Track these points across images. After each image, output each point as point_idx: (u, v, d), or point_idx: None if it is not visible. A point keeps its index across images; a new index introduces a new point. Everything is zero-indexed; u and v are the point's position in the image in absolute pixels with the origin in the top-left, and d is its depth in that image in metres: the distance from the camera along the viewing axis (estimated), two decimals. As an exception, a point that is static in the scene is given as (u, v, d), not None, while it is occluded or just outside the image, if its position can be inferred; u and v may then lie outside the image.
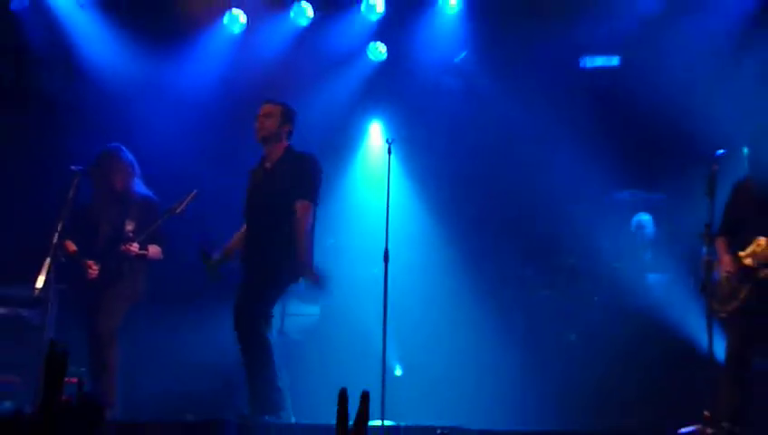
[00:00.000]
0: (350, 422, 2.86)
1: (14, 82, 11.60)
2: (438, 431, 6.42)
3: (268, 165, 8.51)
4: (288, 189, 8.26)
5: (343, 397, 2.84)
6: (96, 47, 11.35)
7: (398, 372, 10.52)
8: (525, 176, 11.06)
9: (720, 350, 7.99)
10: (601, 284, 10.46)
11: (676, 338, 9.55)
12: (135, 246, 8.86)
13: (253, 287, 8.25)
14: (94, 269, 8.85)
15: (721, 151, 8.07)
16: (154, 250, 9.03)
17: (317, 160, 8.47)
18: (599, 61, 11.60)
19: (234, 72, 11.44)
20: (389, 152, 8.71)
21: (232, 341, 8.27)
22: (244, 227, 8.54)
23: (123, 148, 9.15)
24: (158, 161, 9.55)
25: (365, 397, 2.85)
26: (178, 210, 8.89)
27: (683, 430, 7.76)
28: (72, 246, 8.93)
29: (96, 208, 9.10)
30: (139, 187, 9.17)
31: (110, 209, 9.07)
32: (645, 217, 10.72)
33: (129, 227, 8.94)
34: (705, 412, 7.66)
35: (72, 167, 8.75)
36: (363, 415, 2.85)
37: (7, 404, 8.65)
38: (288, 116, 8.54)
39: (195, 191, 8.89)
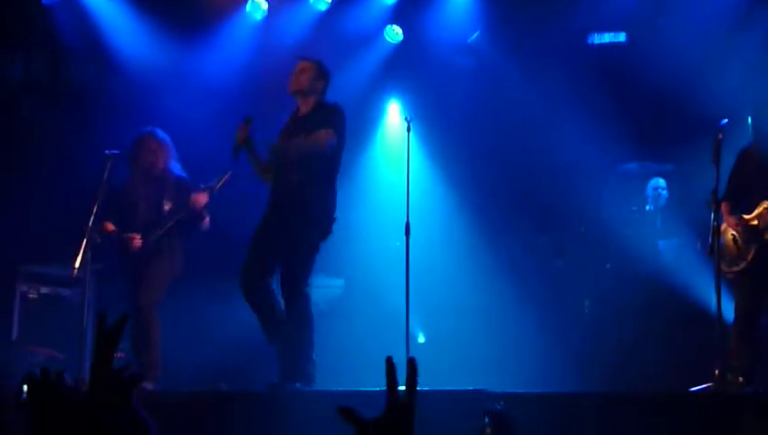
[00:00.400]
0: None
1: (48, 74, 11.85)
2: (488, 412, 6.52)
3: (299, 116, 8.56)
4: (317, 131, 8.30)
5: (391, 364, 2.84)
6: (124, 38, 11.58)
7: (421, 339, 10.71)
8: (538, 149, 11.25)
9: (729, 310, 8.24)
10: (613, 251, 10.69)
11: (686, 301, 9.77)
12: (204, 196, 9.01)
13: (290, 252, 8.30)
14: (137, 239, 9.05)
15: (725, 121, 8.31)
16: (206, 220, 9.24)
17: (342, 108, 8.53)
18: (606, 37, 11.77)
19: (256, 58, 11.64)
20: (408, 130, 8.97)
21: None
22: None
23: (159, 130, 9.34)
24: (185, 147, 9.69)
25: (412, 363, 2.85)
26: (216, 187, 9.10)
27: (695, 388, 8.03)
28: (110, 226, 9.16)
29: (133, 189, 9.26)
30: (176, 168, 9.37)
31: (148, 190, 9.24)
32: (661, 182, 10.89)
33: (167, 206, 9.19)
34: (716, 371, 7.93)
35: (106, 151, 8.97)
36: (412, 380, 2.84)
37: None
38: (322, 72, 8.56)
39: (230, 172, 9.03)
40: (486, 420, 6.36)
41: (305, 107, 8.57)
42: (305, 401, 7.70)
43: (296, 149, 8.33)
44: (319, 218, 8.31)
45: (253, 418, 7.69)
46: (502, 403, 6.60)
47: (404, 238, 8.72)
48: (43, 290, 10.41)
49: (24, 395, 3.25)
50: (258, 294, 8.42)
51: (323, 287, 10.58)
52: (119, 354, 8.59)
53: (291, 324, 8.31)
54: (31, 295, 10.44)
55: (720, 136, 8.19)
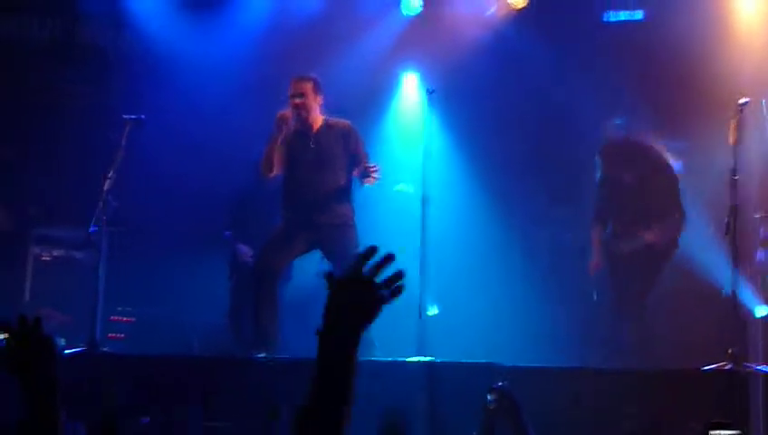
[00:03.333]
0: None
1: (66, 38, 11.68)
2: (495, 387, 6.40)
3: (311, 136, 8.67)
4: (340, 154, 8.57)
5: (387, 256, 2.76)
6: (143, 2, 11.42)
7: (434, 311, 10.56)
8: (554, 124, 11.07)
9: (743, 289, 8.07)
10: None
11: (701, 280, 9.61)
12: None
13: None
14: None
15: (745, 100, 8.09)
16: None
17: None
18: (622, 15, 11.59)
19: (273, 26, 11.42)
20: (429, 102, 8.78)
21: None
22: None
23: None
24: (205, 109, 9.59)
25: (389, 256, 2.76)
26: None
27: (708, 367, 7.84)
28: None
29: None
30: None
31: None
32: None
33: None
34: (729, 350, 7.73)
35: (124, 116, 8.82)
36: (381, 263, 2.76)
37: (62, 341, 8.77)
38: (319, 88, 8.68)
39: None
40: (489, 397, 6.19)
41: (314, 125, 8.67)
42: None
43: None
44: None
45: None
46: (503, 382, 6.41)
47: (419, 209, 8.59)
48: (56, 252, 10.30)
49: (3, 342, 3.21)
50: None
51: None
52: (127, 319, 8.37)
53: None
54: (44, 258, 10.33)
55: (740, 115, 7.98)
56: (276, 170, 8.63)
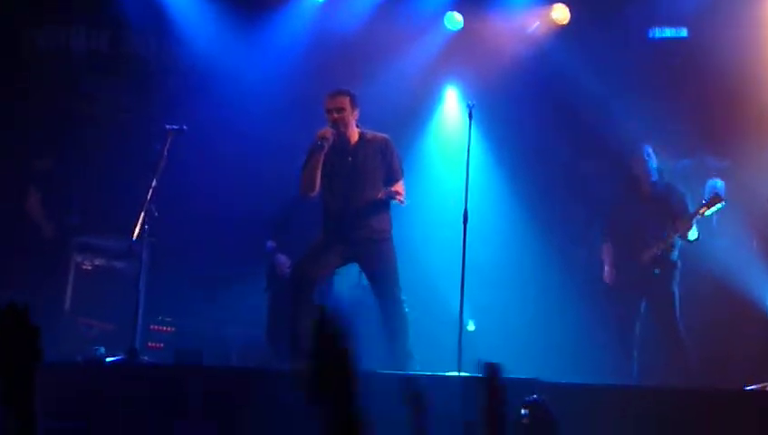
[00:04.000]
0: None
1: (109, 48, 11.72)
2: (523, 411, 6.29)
3: (349, 150, 8.64)
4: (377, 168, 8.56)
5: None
6: (186, 14, 11.37)
7: (472, 327, 10.52)
8: (594, 142, 10.99)
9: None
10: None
11: (743, 300, 9.49)
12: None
13: None
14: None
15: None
16: None
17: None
18: (668, 32, 11.50)
19: (316, 41, 11.38)
20: (471, 116, 8.72)
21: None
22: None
23: None
24: (247, 122, 9.58)
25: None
26: None
27: (750, 387, 7.74)
28: None
29: None
30: None
31: None
32: (719, 184, 10.59)
33: None
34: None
35: (167, 126, 8.79)
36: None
37: (101, 350, 8.78)
38: (356, 102, 8.65)
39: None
40: (523, 411, 6.08)
41: (352, 138, 8.67)
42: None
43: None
44: None
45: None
46: (539, 396, 6.29)
47: (459, 227, 8.52)
48: (98, 262, 10.33)
49: None
50: None
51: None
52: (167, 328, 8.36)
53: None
54: (85, 266, 10.36)
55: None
56: (318, 188, 8.61)
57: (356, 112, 8.63)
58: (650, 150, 9.46)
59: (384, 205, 8.61)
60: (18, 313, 3.02)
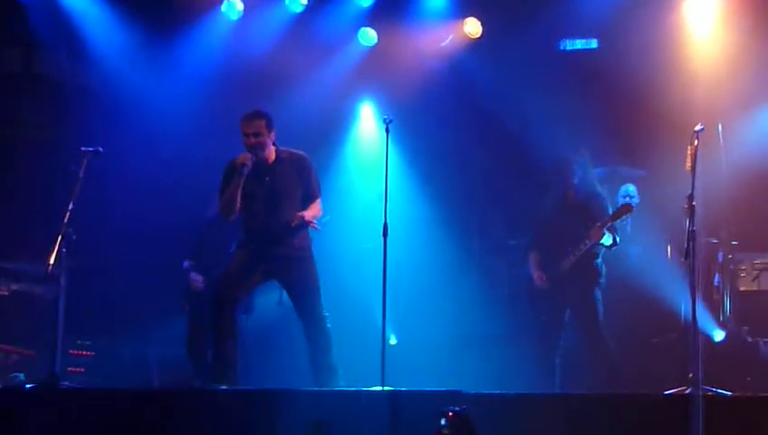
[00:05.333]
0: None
1: (23, 68, 11.57)
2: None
3: (266, 169, 8.57)
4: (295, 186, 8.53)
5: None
6: (99, 33, 11.28)
7: (393, 341, 10.52)
8: (511, 153, 11.09)
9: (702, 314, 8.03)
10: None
11: (658, 306, 9.61)
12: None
13: None
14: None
15: (701, 127, 8.10)
16: None
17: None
18: (578, 44, 11.64)
19: (231, 58, 11.38)
20: (387, 131, 8.71)
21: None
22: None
23: None
24: (160, 143, 9.51)
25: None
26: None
27: (669, 391, 7.82)
28: None
29: None
30: None
31: None
32: (631, 188, 10.71)
33: None
34: (690, 375, 7.71)
35: (82, 148, 8.65)
36: None
37: (20, 376, 8.64)
38: (272, 124, 8.59)
39: None
40: (443, 422, 6.08)
41: (269, 158, 8.60)
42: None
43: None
44: None
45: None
46: (460, 407, 6.29)
47: (378, 240, 8.50)
48: (15, 286, 10.15)
49: None
50: None
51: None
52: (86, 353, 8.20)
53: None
54: (1, 292, 10.18)
55: (696, 142, 7.98)
56: (237, 210, 8.56)
57: (272, 134, 8.57)
58: (577, 158, 9.53)
59: (302, 223, 8.57)
60: None
